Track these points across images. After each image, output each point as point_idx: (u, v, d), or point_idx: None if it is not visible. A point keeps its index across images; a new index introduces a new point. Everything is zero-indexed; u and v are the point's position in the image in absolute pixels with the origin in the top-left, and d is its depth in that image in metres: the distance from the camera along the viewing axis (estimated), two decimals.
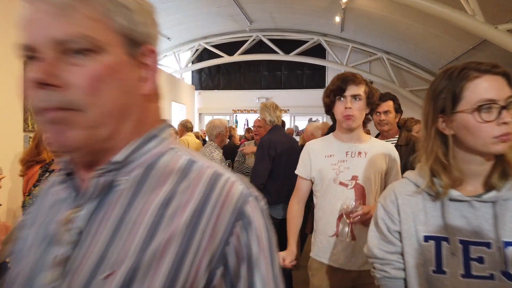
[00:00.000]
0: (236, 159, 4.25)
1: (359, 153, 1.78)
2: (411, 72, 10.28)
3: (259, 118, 3.59)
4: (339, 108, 1.73)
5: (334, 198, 1.76)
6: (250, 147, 4.07)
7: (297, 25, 10.45)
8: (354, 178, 1.74)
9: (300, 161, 1.90)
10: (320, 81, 11.38)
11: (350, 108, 1.69)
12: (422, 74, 10.05)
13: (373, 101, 1.76)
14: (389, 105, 2.73)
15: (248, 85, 11.89)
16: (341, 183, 1.75)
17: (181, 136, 5.88)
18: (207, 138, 3.89)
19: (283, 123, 6.10)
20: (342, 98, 1.71)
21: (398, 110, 2.78)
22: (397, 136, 2.75)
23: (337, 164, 1.76)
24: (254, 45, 11.08)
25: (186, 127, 5.68)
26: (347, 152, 1.78)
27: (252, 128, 3.86)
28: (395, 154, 1.86)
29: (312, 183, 1.88)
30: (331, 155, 1.79)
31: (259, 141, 3.79)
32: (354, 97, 1.69)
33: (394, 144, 2.55)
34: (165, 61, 11.50)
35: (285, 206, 3.41)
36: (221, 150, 3.66)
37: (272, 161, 3.17)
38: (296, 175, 3.44)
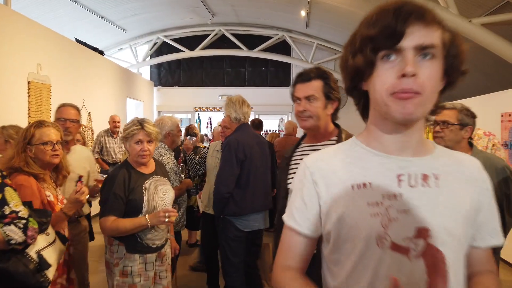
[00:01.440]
0: (196, 164, 3.72)
1: (425, 176, 0.84)
2: None
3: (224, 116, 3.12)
4: (385, 77, 0.79)
5: (380, 278, 0.81)
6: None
7: (261, 20, 10.04)
8: (422, 233, 0.80)
9: (294, 197, 0.95)
10: (284, 78, 11.04)
11: (412, 75, 0.75)
12: None
13: (457, 64, 0.82)
14: (314, 87, 1.70)
15: (211, 82, 11.34)
16: (395, 246, 0.80)
17: None
18: None
19: (260, 122, 5.64)
20: (392, 56, 0.78)
21: (330, 97, 1.72)
22: (335, 138, 1.75)
23: (383, 203, 0.82)
24: (217, 40, 10.56)
25: None
26: (399, 175, 0.84)
27: (219, 128, 3.38)
28: (485, 177, 0.90)
29: (321, 242, 0.95)
30: (365, 184, 0.85)
31: None
32: (423, 51, 0.77)
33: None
34: (120, 54, 10.72)
35: (256, 217, 2.92)
36: (173, 153, 3.15)
37: (240, 166, 2.73)
38: (268, 181, 3.03)
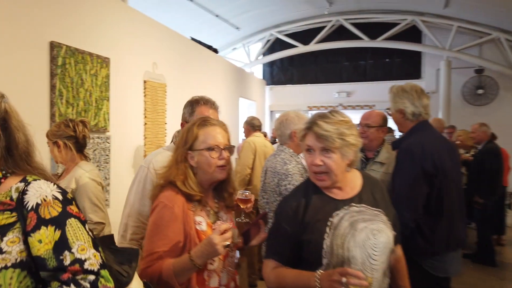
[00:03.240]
0: None
1: None
2: None
3: (387, 110, 2.37)
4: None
5: None
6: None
7: (386, 4, 8.76)
8: None
9: None
10: (414, 70, 9.51)
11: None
12: None
13: None
14: None
15: (326, 78, 10.42)
16: None
17: (247, 136, 4.75)
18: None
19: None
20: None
21: None
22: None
23: None
24: (333, 32, 9.61)
25: (252, 125, 4.53)
26: None
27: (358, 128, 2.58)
28: None
29: None
30: None
31: (368, 146, 2.49)
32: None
33: None
34: (233, 54, 10.56)
35: (453, 257, 1.92)
36: (299, 159, 2.40)
37: (430, 183, 1.91)
38: (464, 205, 1.98)
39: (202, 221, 1.43)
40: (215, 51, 7.50)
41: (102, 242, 1.20)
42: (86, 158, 2.35)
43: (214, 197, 1.55)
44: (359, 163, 2.72)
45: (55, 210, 1.00)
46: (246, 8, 8.65)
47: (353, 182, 1.46)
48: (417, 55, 9.41)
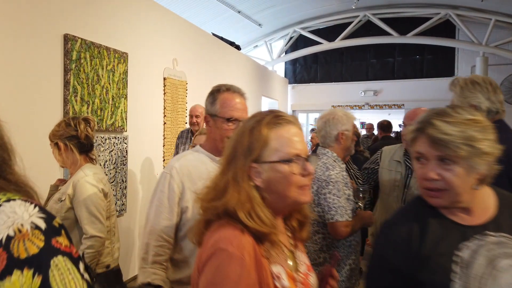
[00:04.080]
0: (358, 178, 2.63)
1: None
2: None
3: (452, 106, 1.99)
4: None
5: None
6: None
7: None
8: None
9: None
10: (447, 67, 8.96)
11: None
12: None
13: None
14: None
15: (352, 76, 9.98)
16: None
17: None
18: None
19: (389, 125, 4.22)
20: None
21: None
22: None
23: None
24: (359, 28, 9.17)
25: None
26: None
27: (401, 129, 2.20)
28: None
29: None
30: None
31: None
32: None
33: None
34: (255, 52, 10.25)
35: None
36: (344, 166, 2.05)
37: None
38: None
39: (281, 273, 0.94)
40: (238, 47, 7.20)
41: (106, 280, 0.89)
42: (92, 160, 2.05)
43: (285, 228, 1.07)
44: (404, 170, 2.36)
45: (34, 245, 0.69)
46: (269, 4, 8.32)
47: (485, 202, 1.07)
48: (451, 51, 8.87)
